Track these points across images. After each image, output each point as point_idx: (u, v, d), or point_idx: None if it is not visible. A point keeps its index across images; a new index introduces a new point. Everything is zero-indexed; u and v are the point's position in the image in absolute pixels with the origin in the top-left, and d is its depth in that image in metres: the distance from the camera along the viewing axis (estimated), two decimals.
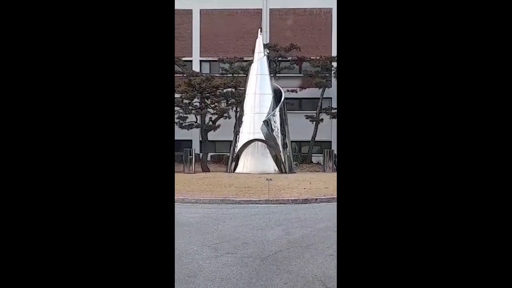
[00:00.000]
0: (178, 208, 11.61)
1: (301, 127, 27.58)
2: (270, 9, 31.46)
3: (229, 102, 26.91)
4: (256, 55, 24.97)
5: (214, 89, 26.22)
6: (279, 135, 23.62)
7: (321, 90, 28.53)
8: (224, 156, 27.77)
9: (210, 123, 26.68)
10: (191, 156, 24.43)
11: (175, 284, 5.07)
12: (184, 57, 29.69)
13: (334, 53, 28.34)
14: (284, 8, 31.23)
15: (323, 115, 28.66)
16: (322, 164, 26.46)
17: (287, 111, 25.20)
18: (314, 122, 28.55)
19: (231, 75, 28.96)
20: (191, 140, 30.37)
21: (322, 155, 26.76)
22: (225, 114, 26.36)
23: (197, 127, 26.63)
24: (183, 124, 26.08)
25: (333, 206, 10.79)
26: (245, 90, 24.91)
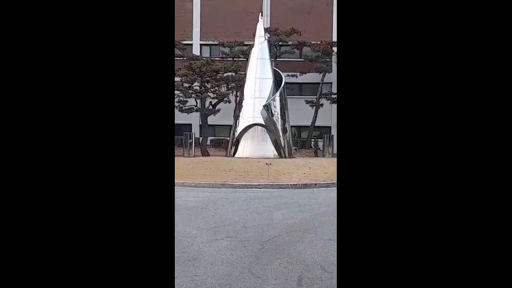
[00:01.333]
0: (178, 192, 11.64)
1: (301, 112, 27.53)
2: None
3: (229, 86, 26.83)
4: (256, 39, 24.84)
5: (215, 73, 26.13)
6: (279, 119, 23.60)
7: (321, 75, 28.44)
8: (223, 140, 27.78)
9: (210, 107, 26.63)
10: (190, 140, 24.44)
11: (176, 267, 5.11)
12: (184, 40, 29.53)
13: (335, 38, 28.17)
14: None
15: (323, 100, 28.61)
16: (321, 149, 26.48)
17: (287, 96, 25.14)
18: (314, 107, 28.50)
19: (231, 59, 28.85)
20: (190, 124, 30.34)
21: (322, 140, 26.76)
22: (225, 98, 26.31)
23: (197, 111, 26.59)
24: (183, 108, 26.04)
25: (332, 191, 10.83)
26: (245, 75, 24.83)
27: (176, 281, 4.62)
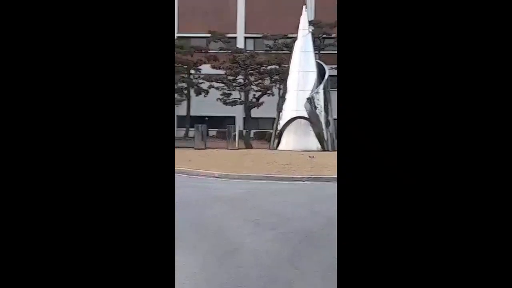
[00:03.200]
0: (221, 184, 11.85)
1: None
2: None
3: (272, 79, 26.88)
4: (300, 32, 24.73)
5: (258, 66, 26.24)
6: (322, 112, 23.48)
7: None
8: (267, 133, 27.87)
9: (254, 100, 26.77)
10: (234, 133, 24.66)
11: (219, 258, 5.28)
12: (228, 33, 29.76)
13: None
14: None
15: None
16: None
17: (330, 89, 24.96)
18: None
19: (275, 52, 28.85)
20: (234, 117, 30.63)
21: None
22: (268, 91, 26.40)
23: (240, 103, 26.80)
24: (227, 101, 26.31)
25: None
26: (288, 67, 24.79)
27: (219, 272, 4.79)
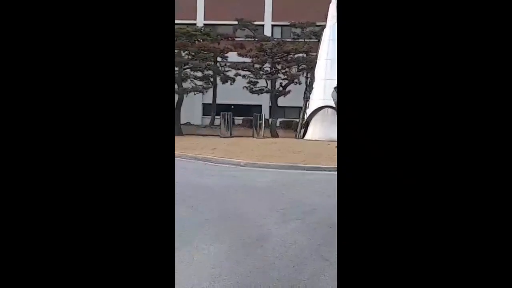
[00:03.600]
0: (248, 173, 11.82)
1: None
2: None
3: (300, 68, 26.69)
4: (329, 20, 24.43)
5: (285, 54, 26.07)
6: None
7: None
8: (293, 122, 27.75)
9: (280, 88, 26.64)
10: (260, 121, 24.60)
11: (245, 247, 5.22)
12: (256, 21, 29.61)
13: None
14: None
15: None
16: None
17: None
18: None
19: (302, 40, 28.61)
20: (260, 105, 30.57)
21: None
22: (295, 80, 26.22)
23: (267, 92, 26.69)
24: (253, 89, 26.24)
25: None
26: (316, 56, 24.56)
27: (246, 262, 4.74)
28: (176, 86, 26.64)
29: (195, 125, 31.08)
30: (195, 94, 27.78)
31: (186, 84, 26.76)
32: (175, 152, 16.03)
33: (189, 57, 26.82)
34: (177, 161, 14.62)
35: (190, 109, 30.27)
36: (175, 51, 26.78)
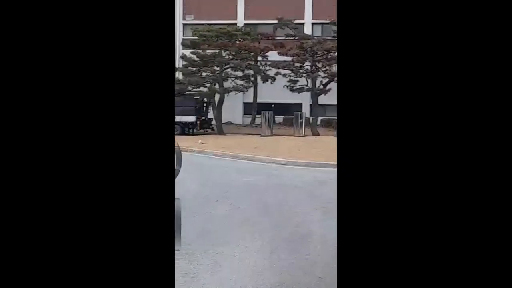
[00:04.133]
0: (289, 171, 11.83)
1: None
2: None
3: None
4: None
5: (326, 52, 25.90)
6: None
7: None
8: (334, 120, 27.53)
9: (321, 86, 26.49)
10: (301, 120, 24.54)
11: (287, 244, 5.25)
12: (296, 19, 29.53)
13: None
14: None
15: None
16: None
17: None
18: None
19: None
20: (301, 104, 30.46)
21: None
22: (336, 78, 26.00)
23: (307, 90, 26.58)
24: (294, 88, 26.19)
25: None
26: None
27: (288, 259, 4.76)
28: (217, 85, 26.91)
29: (236, 124, 31.28)
30: (236, 94, 27.96)
31: (227, 84, 26.97)
32: (217, 151, 16.27)
33: (230, 56, 27.02)
34: (219, 160, 14.79)
35: (231, 109, 30.48)
36: (216, 51, 27.07)
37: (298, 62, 25.83)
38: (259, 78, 28.91)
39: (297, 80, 26.22)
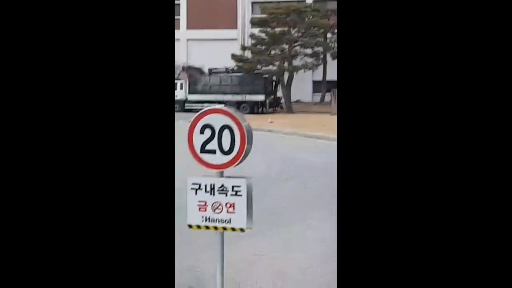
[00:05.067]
0: None
1: None
2: None
3: None
4: None
5: None
6: None
7: None
8: None
9: None
10: None
11: None
12: None
13: None
14: None
15: None
16: None
17: None
18: None
19: None
20: None
21: None
22: None
23: None
24: None
25: None
26: None
27: None
28: (286, 63, 26.79)
29: (305, 102, 31.09)
30: (305, 72, 27.73)
31: (296, 62, 26.77)
32: (286, 130, 16.26)
33: (299, 34, 26.76)
34: (288, 139, 14.79)
35: (300, 87, 30.28)
36: (285, 29, 26.87)
37: None
38: (328, 55, 28.48)
39: None
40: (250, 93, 27.13)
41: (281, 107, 27.45)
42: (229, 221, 3.06)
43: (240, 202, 3.04)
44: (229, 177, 3.09)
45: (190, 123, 3.03)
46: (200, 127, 3.03)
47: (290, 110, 26.25)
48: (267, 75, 27.43)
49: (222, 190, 3.07)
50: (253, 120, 17.52)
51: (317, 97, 31.74)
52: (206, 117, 3.03)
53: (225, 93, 27.98)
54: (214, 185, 3.08)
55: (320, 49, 27.22)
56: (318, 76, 31.10)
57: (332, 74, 30.02)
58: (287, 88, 27.02)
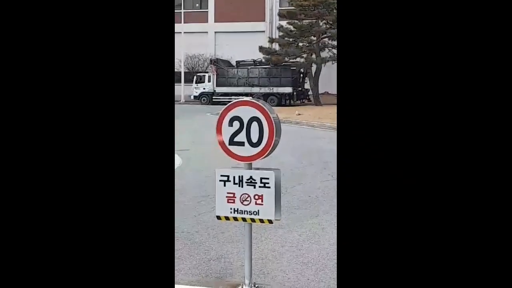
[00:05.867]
0: None
1: None
2: None
3: None
4: None
5: None
6: None
7: None
8: None
9: None
10: None
11: None
12: None
13: None
14: None
15: None
16: None
17: None
18: None
19: None
20: None
21: None
22: None
23: None
24: None
25: None
26: None
27: None
28: (314, 55, 26.65)
29: (333, 94, 30.88)
30: (333, 63, 27.53)
31: (324, 54, 26.62)
32: (314, 122, 16.20)
33: (327, 26, 26.57)
34: (315, 131, 14.74)
35: (328, 79, 30.07)
36: (313, 20, 26.71)
37: None
38: None
39: None
40: (277, 86, 27.11)
41: (309, 99, 27.34)
42: (257, 213, 3.09)
43: (269, 194, 3.06)
44: (258, 169, 3.11)
45: (218, 115, 3.05)
46: (229, 119, 3.05)
47: (317, 102, 26.14)
48: (294, 67, 27.35)
49: (251, 182, 3.09)
50: (280, 113, 17.49)
51: None
52: (235, 109, 3.05)
53: (252, 85, 28.03)
54: (242, 177, 3.11)
55: None
56: None
57: None
58: (315, 80, 26.91)
